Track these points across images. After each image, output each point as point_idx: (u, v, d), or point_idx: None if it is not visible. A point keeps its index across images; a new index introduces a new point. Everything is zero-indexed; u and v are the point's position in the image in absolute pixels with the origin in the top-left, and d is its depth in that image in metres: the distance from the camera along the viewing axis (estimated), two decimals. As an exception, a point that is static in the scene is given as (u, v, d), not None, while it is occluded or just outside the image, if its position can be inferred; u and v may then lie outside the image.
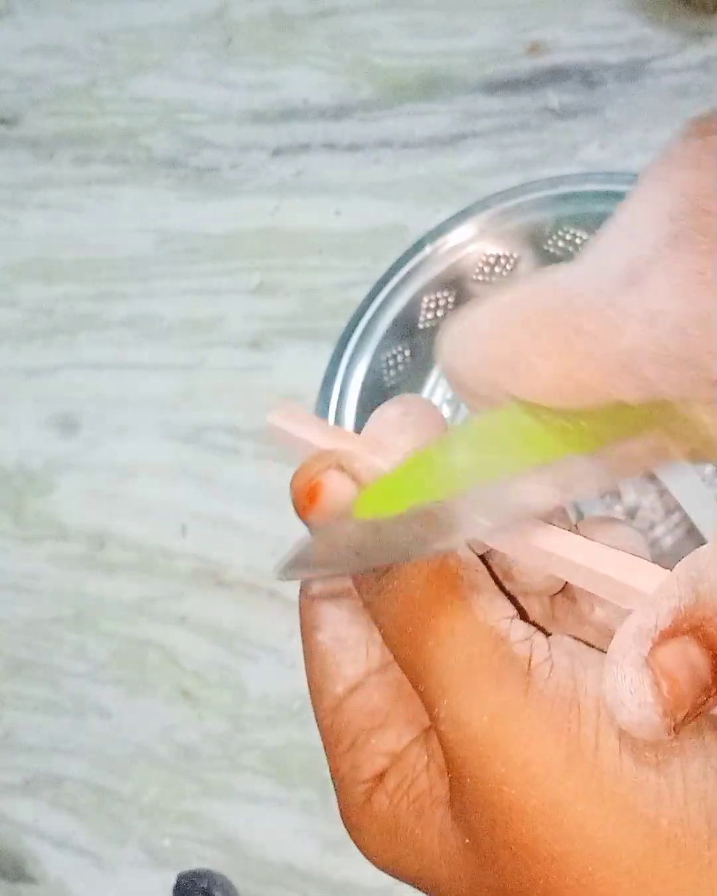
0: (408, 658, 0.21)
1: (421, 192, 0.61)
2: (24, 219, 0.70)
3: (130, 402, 0.63)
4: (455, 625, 0.20)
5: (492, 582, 0.21)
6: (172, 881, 0.54)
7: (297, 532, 0.60)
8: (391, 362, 0.54)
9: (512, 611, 0.21)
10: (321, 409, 0.55)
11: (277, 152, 0.66)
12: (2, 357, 0.67)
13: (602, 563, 0.22)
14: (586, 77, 0.61)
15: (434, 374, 0.56)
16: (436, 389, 0.56)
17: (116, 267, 0.66)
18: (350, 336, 0.54)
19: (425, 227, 0.54)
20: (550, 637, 0.21)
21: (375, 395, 0.54)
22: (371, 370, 0.54)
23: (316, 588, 0.25)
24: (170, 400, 0.62)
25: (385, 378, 0.54)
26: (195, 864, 0.55)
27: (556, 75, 0.62)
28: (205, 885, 0.53)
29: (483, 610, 0.20)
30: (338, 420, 0.54)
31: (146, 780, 0.57)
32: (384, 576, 0.22)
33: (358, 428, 0.53)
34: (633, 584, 0.21)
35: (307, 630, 0.25)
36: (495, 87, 0.62)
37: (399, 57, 0.65)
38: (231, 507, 0.59)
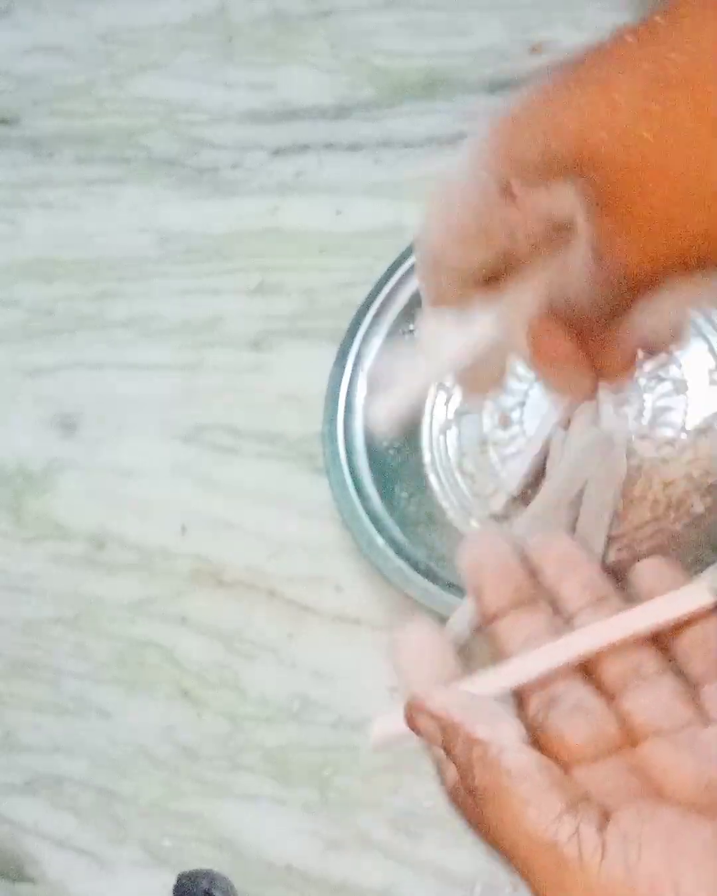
0: (507, 863, 0.27)
1: (421, 192, 0.61)
2: (24, 219, 0.70)
3: (130, 402, 0.63)
4: (515, 839, 0.26)
5: (542, 778, 0.26)
6: (172, 881, 0.54)
7: (297, 532, 0.60)
8: (409, 337, 0.54)
9: (560, 804, 0.25)
10: (334, 380, 0.55)
11: (277, 152, 0.65)
12: (2, 357, 0.67)
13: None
14: (586, 77, 0.61)
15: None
16: None
17: (116, 267, 0.66)
18: (368, 309, 0.54)
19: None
20: (609, 819, 0.25)
21: (391, 360, 0.54)
22: (388, 341, 0.54)
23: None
24: (170, 400, 0.62)
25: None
26: (195, 864, 0.55)
27: (556, 75, 0.61)
28: (205, 885, 0.53)
29: (534, 820, 0.25)
30: (351, 390, 0.54)
31: (146, 780, 0.57)
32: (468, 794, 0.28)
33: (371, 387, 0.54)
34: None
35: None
36: (496, 87, 0.62)
37: (399, 57, 0.65)
38: (231, 507, 0.59)
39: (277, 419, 0.60)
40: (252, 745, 0.55)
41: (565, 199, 0.29)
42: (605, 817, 0.25)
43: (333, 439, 0.54)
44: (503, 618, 0.33)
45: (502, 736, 0.27)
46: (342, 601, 0.55)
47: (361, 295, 0.56)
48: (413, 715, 0.29)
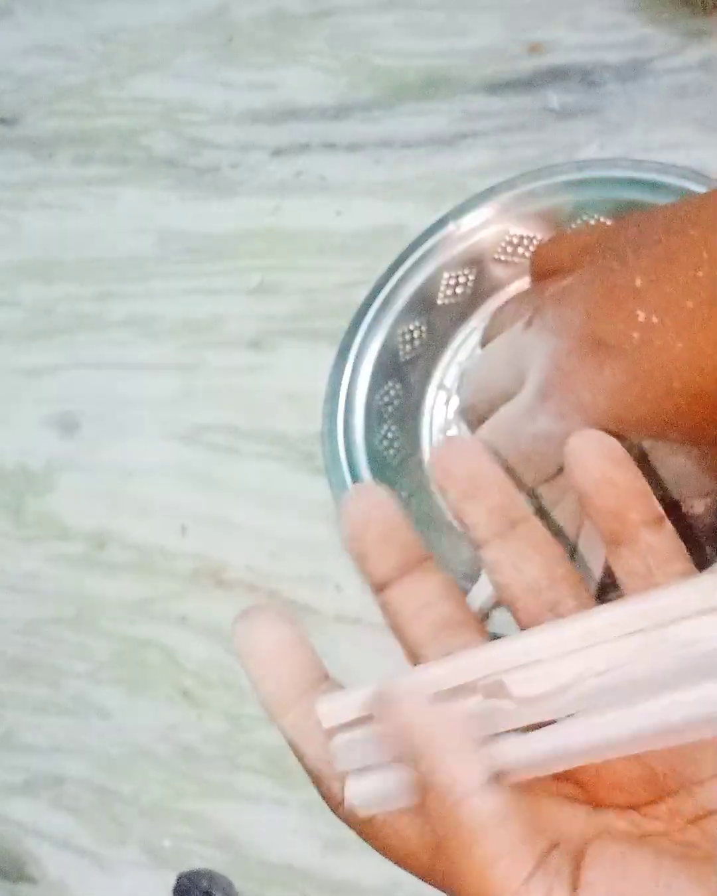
0: None
1: (421, 192, 0.61)
2: (24, 219, 0.70)
3: (130, 402, 0.63)
4: None
5: (509, 830, 0.23)
6: (172, 881, 0.54)
7: (297, 532, 0.60)
8: (407, 336, 0.54)
9: (530, 862, 0.22)
10: (334, 378, 0.55)
11: (277, 152, 0.66)
12: (2, 357, 0.67)
13: None
14: (586, 77, 0.61)
15: (449, 351, 0.55)
16: (449, 368, 0.56)
17: (116, 267, 0.66)
18: (369, 307, 0.54)
19: (425, 228, 0.54)
20: (581, 882, 0.22)
21: (389, 368, 0.54)
22: (387, 343, 0.54)
23: None
24: (170, 400, 0.62)
25: (401, 352, 0.54)
26: (195, 864, 0.55)
27: (556, 75, 0.61)
28: (205, 885, 0.53)
29: (502, 879, 0.22)
30: (351, 388, 0.54)
31: (146, 780, 0.57)
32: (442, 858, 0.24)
33: (368, 402, 0.54)
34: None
35: None
36: (496, 87, 0.62)
37: (399, 57, 0.65)
38: (231, 507, 0.59)
39: (277, 419, 0.60)
40: (252, 745, 0.55)
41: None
42: (577, 868, 0.23)
43: (333, 438, 0.54)
44: (392, 586, 0.30)
45: (468, 773, 0.23)
46: (342, 601, 0.55)
47: (361, 295, 0.56)
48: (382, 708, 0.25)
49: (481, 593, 0.45)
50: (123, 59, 0.71)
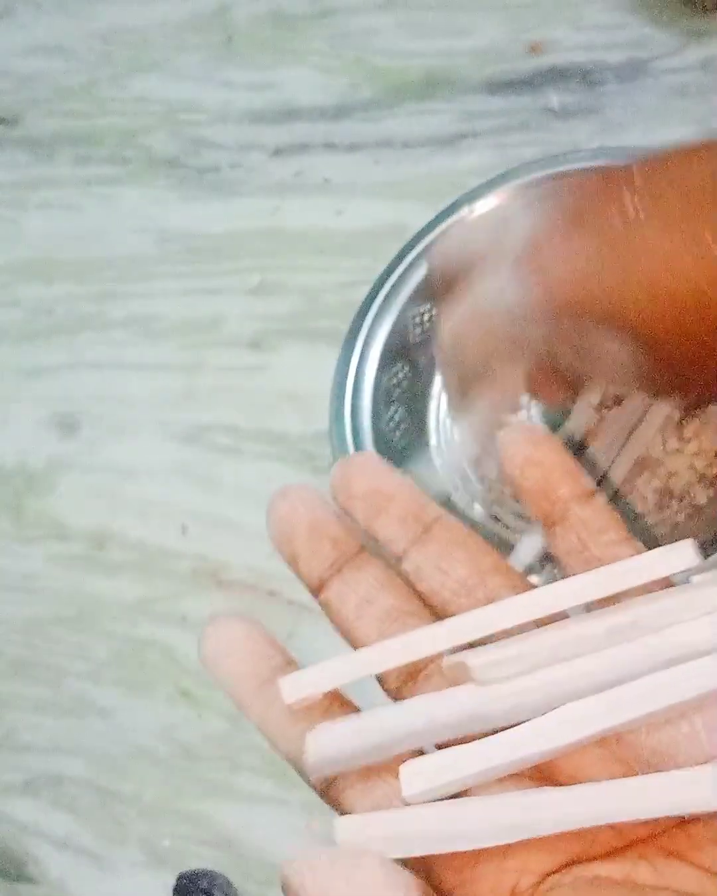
0: None
1: (421, 192, 0.61)
2: (24, 219, 0.70)
3: (130, 402, 0.63)
4: None
5: None
6: (172, 881, 0.54)
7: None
8: (418, 318, 0.54)
9: None
10: (343, 359, 0.55)
11: (277, 152, 0.66)
12: (2, 357, 0.67)
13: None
14: (586, 77, 0.61)
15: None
16: None
17: (116, 267, 0.66)
18: (380, 288, 0.54)
19: (437, 212, 0.54)
20: None
21: (398, 350, 0.54)
22: (397, 325, 0.54)
23: None
24: (170, 400, 0.62)
25: (410, 334, 0.54)
26: (195, 864, 0.55)
27: (556, 75, 0.62)
28: (205, 885, 0.53)
29: None
30: (360, 369, 0.54)
31: (146, 780, 0.57)
32: None
33: (376, 384, 0.54)
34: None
35: None
36: (496, 87, 0.62)
37: (399, 57, 0.65)
38: (231, 507, 0.59)
39: (277, 419, 0.60)
40: (252, 745, 0.56)
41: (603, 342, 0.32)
42: None
43: (340, 419, 0.54)
44: (328, 585, 0.29)
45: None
46: (342, 601, 0.55)
47: (361, 295, 0.56)
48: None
49: (526, 549, 0.45)
50: (123, 59, 0.71)
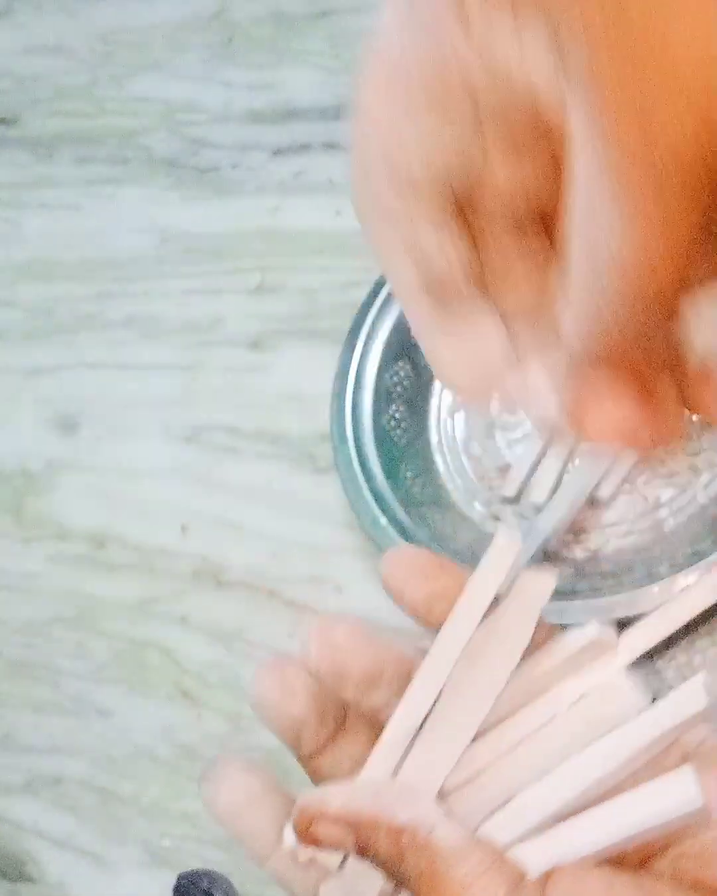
0: None
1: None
2: (24, 219, 0.70)
3: (130, 402, 0.63)
4: None
5: (479, 857, 0.24)
6: (172, 881, 0.54)
7: (297, 532, 0.59)
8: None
9: (502, 888, 0.23)
10: (345, 356, 0.55)
11: (277, 152, 0.65)
12: (2, 357, 0.67)
13: None
14: (586, 77, 0.61)
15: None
16: None
17: (116, 267, 0.66)
18: (383, 286, 0.54)
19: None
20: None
21: (400, 348, 0.54)
22: (399, 323, 0.54)
23: None
24: (170, 400, 0.62)
25: (411, 334, 0.54)
26: (195, 864, 0.55)
27: (556, 75, 0.62)
28: (205, 885, 0.53)
29: None
30: (361, 366, 0.54)
31: (146, 780, 0.57)
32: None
33: (377, 382, 0.54)
34: None
35: None
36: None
37: (399, 57, 0.65)
38: (231, 507, 0.59)
39: (278, 419, 0.60)
40: (252, 745, 0.55)
41: (537, 56, 0.18)
42: (543, 892, 0.24)
43: (341, 417, 0.54)
44: (321, 753, 0.30)
45: (427, 815, 0.25)
46: (342, 601, 0.55)
47: (361, 295, 0.56)
48: (311, 828, 0.25)
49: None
50: (123, 59, 0.71)
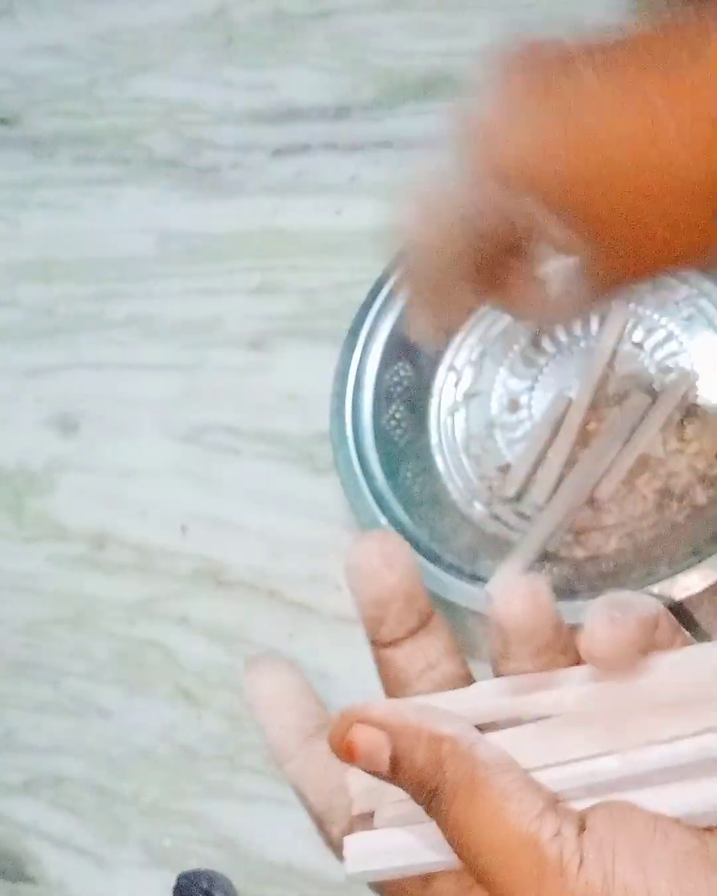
0: (471, 867, 0.24)
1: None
2: (24, 219, 0.70)
3: (130, 402, 0.63)
4: (491, 837, 0.23)
5: (519, 773, 0.24)
6: (172, 881, 0.54)
7: (297, 532, 0.59)
8: None
9: (540, 802, 0.24)
10: (345, 356, 0.55)
11: (277, 152, 0.65)
12: (2, 357, 0.67)
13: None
14: (586, 77, 0.61)
15: (462, 332, 0.56)
16: (461, 349, 0.56)
17: (116, 267, 0.66)
18: (382, 286, 0.54)
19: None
20: (585, 825, 0.23)
21: (399, 348, 0.54)
22: (398, 323, 0.54)
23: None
24: (170, 400, 0.62)
25: None
26: (195, 864, 0.55)
27: (556, 75, 0.62)
28: (205, 885, 0.53)
29: (515, 814, 0.23)
30: (361, 367, 0.54)
31: (146, 780, 0.57)
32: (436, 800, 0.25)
33: (377, 382, 0.54)
34: None
35: None
36: (496, 87, 0.62)
37: (399, 57, 0.65)
38: (231, 507, 0.59)
39: (278, 419, 0.60)
40: (252, 745, 0.55)
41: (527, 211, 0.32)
42: (582, 821, 0.24)
43: (341, 417, 0.54)
44: (399, 645, 0.30)
45: (470, 731, 0.25)
46: (342, 601, 0.55)
47: (361, 295, 0.56)
48: (350, 733, 0.25)
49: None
50: (123, 59, 0.71)
